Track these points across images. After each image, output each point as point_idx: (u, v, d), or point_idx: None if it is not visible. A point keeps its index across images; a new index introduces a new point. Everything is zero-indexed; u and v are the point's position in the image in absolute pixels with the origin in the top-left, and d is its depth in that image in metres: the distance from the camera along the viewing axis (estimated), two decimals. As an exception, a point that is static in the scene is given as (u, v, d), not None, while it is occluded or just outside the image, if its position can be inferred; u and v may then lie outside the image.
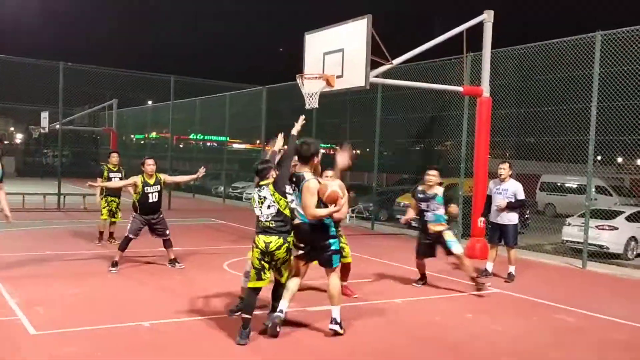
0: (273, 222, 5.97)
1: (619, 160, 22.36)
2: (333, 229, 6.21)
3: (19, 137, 48.87)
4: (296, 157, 6.30)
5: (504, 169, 9.67)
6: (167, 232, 9.70)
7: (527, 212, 16.07)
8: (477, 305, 7.94)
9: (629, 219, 13.39)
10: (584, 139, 11.52)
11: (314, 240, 6.16)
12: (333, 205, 5.94)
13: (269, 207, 5.98)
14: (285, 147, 6.40)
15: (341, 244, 8.04)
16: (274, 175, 6.05)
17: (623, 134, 11.35)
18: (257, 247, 6.00)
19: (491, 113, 12.16)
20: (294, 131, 6.34)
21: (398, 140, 18.18)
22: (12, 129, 50.39)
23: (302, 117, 6.54)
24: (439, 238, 8.40)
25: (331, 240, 6.18)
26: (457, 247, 8.40)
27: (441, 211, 8.37)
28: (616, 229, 13.11)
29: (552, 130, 13.09)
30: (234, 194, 25.43)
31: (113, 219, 11.63)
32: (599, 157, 13.68)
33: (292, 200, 6.07)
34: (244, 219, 16.63)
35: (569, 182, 22.52)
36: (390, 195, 19.22)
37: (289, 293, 6.16)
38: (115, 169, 11.62)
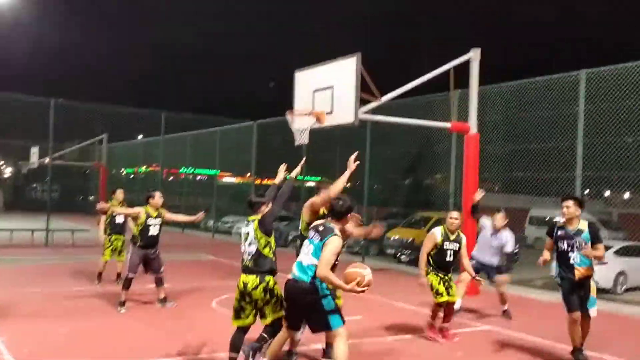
0: (252, 260, 5.79)
1: (607, 194, 22.55)
2: (325, 288, 5.38)
3: (7, 172, 48.70)
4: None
5: (499, 220, 9.49)
6: (161, 270, 9.68)
7: (517, 246, 16.08)
8: (468, 344, 7.92)
9: (618, 253, 13.44)
10: (571, 175, 11.65)
11: (300, 297, 5.40)
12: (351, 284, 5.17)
13: (250, 244, 5.82)
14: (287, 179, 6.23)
15: (448, 282, 7.85)
16: (264, 211, 5.92)
17: (609, 169, 11.50)
18: (237, 287, 5.83)
19: (479, 149, 12.28)
20: (293, 174, 6.33)
21: (388, 175, 18.28)
22: (1, 162, 50.22)
23: (304, 159, 6.51)
24: (581, 287, 6.84)
25: (323, 301, 5.36)
26: (594, 310, 6.93)
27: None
28: (605, 263, 13.12)
29: (540, 166, 13.23)
30: (223, 229, 25.32)
31: (118, 258, 11.26)
32: (586, 191, 13.81)
33: (309, 249, 5.49)
34: (234, 255, 16.43)
35: (558, 216, 22.61)
36: (380, 230, 19.19)
37: (269, 355, 5.73)
38: (120, 206, 11.55)
